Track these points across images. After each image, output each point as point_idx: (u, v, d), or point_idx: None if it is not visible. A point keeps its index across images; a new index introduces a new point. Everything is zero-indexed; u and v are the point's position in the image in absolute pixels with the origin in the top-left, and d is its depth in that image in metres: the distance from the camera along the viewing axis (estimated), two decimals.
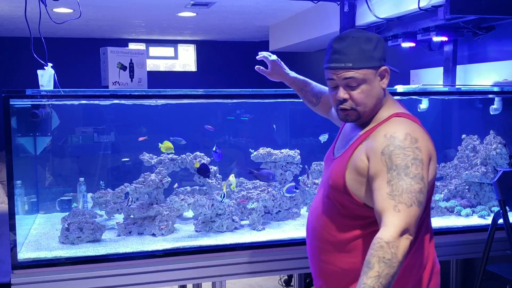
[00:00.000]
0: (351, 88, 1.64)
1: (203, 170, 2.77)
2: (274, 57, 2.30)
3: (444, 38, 3.20)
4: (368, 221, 1.62)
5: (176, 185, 2.93)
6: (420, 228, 1.64)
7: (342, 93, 1.65)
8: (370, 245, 1.43)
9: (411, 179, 1.47)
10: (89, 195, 3.07)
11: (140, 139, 3.20)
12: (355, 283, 1.43)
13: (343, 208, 1.67)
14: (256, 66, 2.31)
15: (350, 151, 1.66)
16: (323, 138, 3.05)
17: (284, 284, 4.26)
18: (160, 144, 2.78)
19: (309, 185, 3.01)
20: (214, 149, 2.82)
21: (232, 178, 2.63)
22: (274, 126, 3.26)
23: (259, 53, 2.31)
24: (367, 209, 1.60)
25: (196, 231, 2.66)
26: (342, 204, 1.66)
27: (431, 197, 1.71)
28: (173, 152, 2.80)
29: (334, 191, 1.68)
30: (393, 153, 1.50)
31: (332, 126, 2.15)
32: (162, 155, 2.85)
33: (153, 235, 2.61)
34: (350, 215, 1.66)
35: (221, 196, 2.60)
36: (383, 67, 1.66)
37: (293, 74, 2.27)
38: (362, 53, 1.61)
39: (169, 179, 2.79)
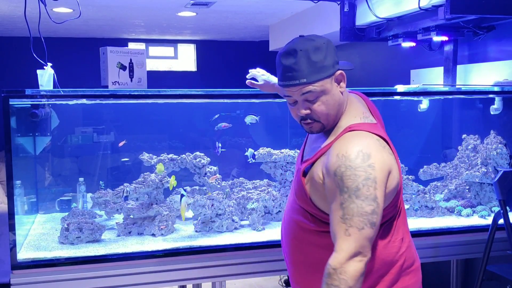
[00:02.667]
0: (310, 102, 1.62)
1: None
2: (262, 71, 2.32)
3: (445, 38, 3.20)
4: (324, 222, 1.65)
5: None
6: (390, 231, 1.67)
7: (303, 110, 1.63)
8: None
9: (362, 201, 1.47)
10: (89, 195, 3.07)
11: (120, 144, 3.20)
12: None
13: (308, 214, 1.70)
14: (247, 81, 2.34)
15: (311, 161, 1.67)
16: (250, 153, 2.95)
17: (284, 284, 4.26)
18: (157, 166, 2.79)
19: None
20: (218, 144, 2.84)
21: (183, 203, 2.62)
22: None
23: (250, 70, 2.35)
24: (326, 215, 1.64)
25: (196, 231, 2.66)
26: (305, 208, 1.69)
27: (400, 200, 1.71)
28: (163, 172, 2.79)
29: (298, 198, 1.71)
30: (344, 175, 1.50)
31: None
32: (161, 155, 2.85)
33: (153, 235, 2.60)
34: (312, 219, 1.69)
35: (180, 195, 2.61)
36: (338, 72, 1.63)
37: None
38: (313, 66, 1.58)
39: (169, 179, 2.78)
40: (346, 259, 1.44)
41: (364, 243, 1.46)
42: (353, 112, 1.70)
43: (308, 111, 1.63)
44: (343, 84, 1.65)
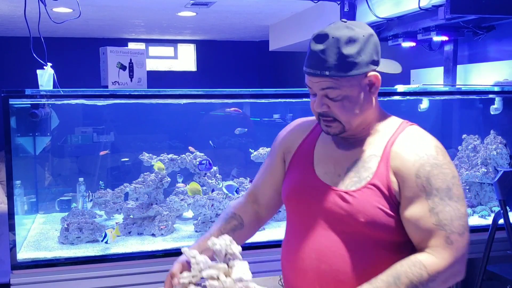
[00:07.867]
0: (330, 99, 1.33)
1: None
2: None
3: (445, 38, 3.20)
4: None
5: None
6: None
7: (319, 106, 1.35)
8: (408, 259, 1.28)
9: (455, 203, 1.29)
10: None
11: (102, 153, 3.22)
12: None
13: (385, 240, 1.37)
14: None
15: (375, 177, 1.35)
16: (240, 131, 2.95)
17: (283, 284, 4.25)
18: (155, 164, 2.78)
19: None
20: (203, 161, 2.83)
21: None
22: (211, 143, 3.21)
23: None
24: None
25: (196, 231, 2.66)
26: (385, 235, 1.35)
27: None
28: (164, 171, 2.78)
29: (373, 226, 1.33)
30: (431, 175, 1.29)
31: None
32: (161, 155, 2.85)
33: (153, 235, 2.60)
34: (397, 241, 1.37)
35: (104, 237, 2.47)
36: (372, 74, 1.34)
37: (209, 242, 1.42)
38: (342, 59, 1.29)
39: (168, 179, 2.78)
40: (444, 268, 1.27)
41: (464, 251, 1.29)
42: (388, 114, 1.46)
43: (325, 108, 1.35)
44: (374, 90, 1.37)
